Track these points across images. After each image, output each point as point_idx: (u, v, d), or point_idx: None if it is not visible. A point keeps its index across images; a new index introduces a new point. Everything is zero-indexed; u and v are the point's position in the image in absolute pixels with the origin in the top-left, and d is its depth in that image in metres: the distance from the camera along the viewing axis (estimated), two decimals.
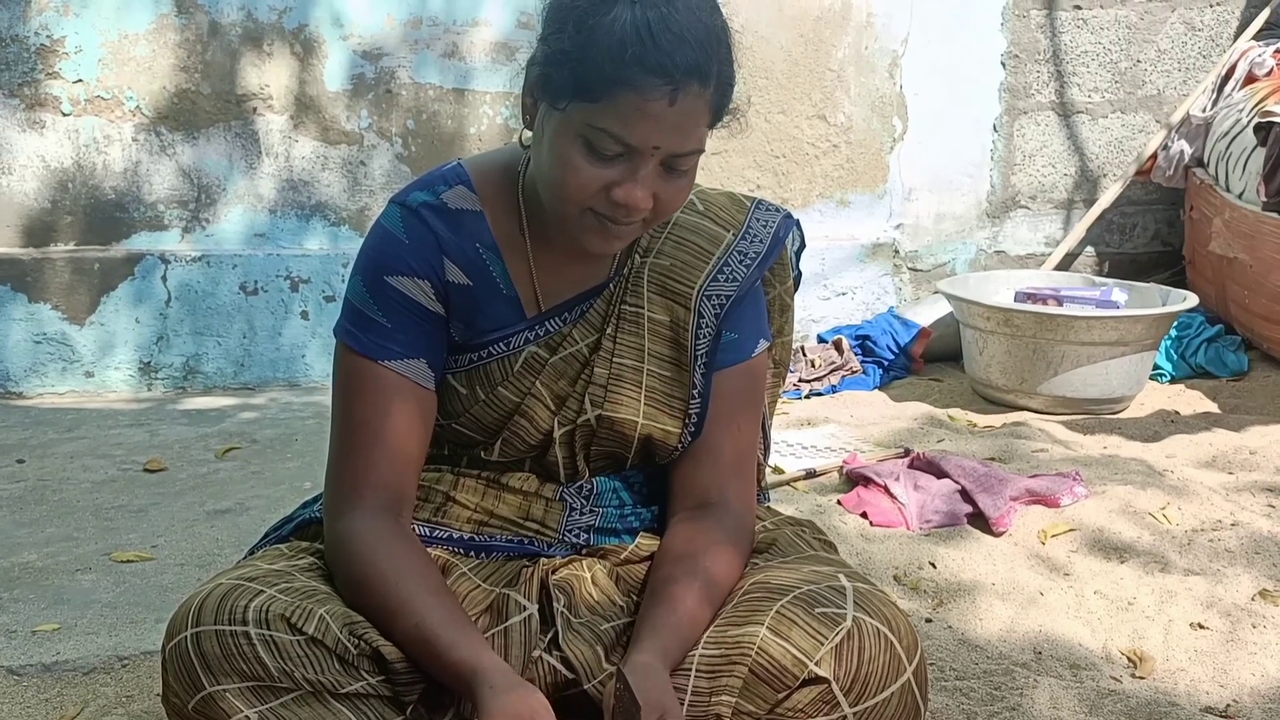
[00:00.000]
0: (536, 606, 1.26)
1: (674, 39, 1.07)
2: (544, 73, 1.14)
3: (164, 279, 3.52)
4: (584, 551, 1.34)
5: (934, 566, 2.20)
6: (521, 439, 1.29)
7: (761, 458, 1.52)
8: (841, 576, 1.23)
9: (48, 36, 3.42)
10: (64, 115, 3.47)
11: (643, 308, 1.27)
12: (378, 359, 1.23)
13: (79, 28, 3.43)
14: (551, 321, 1.27)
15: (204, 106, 3.55)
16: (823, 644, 1.14)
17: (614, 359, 1.27)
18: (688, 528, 1.28)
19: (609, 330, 1.27)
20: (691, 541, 1.26)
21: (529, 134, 1.22)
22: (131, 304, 3.50)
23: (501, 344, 1.27)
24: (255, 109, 3.58)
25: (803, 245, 1.43)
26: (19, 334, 3.43)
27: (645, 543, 1.35)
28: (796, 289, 1.46)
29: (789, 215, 1.36)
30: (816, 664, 1.13)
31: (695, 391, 1.29)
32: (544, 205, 1.21)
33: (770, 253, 1.31)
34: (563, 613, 1.24)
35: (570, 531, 1.34)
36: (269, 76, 3.57)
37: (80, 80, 3.46)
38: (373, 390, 1.23)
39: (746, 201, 1.35)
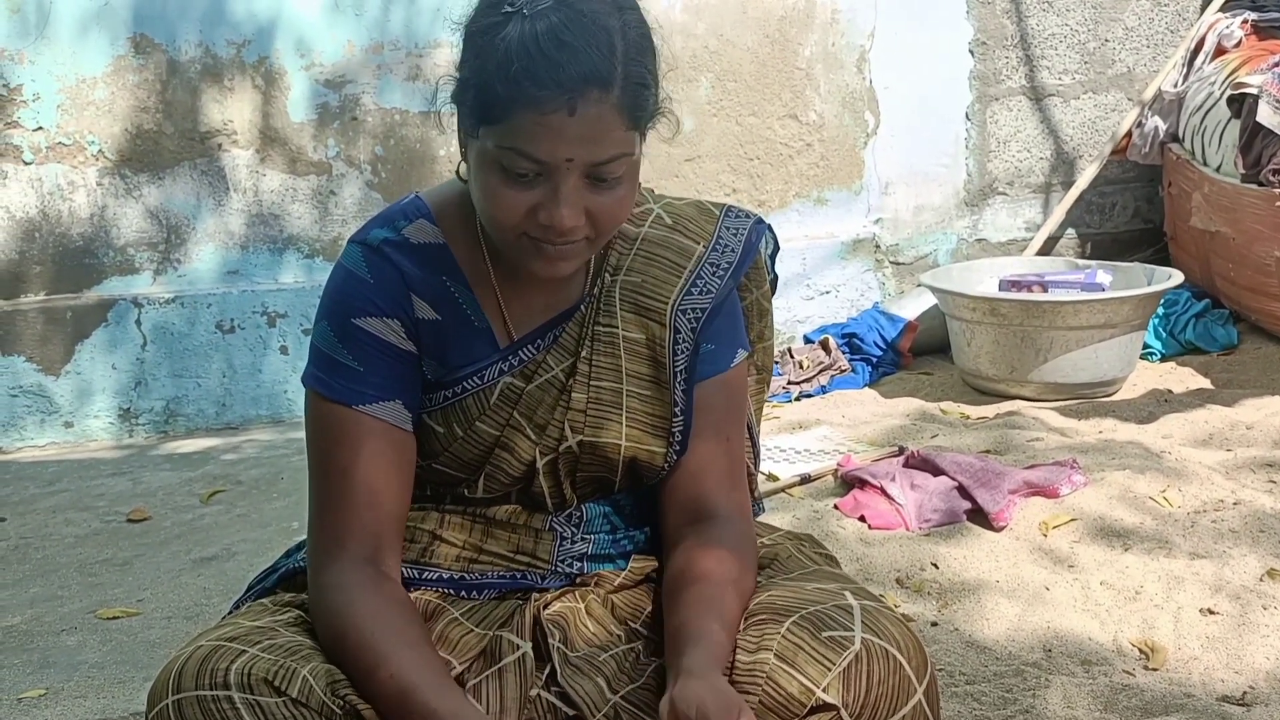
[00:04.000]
0: (530, 644, 1.21)
1: (563, 48, 1.04)
2: (460, 95, 1.13)
3: (138, 323, 3.47)
4: (577, 580, 1.30)
5: (936, 567, 2.17)
6: (504, 472, 1.26)
7: (752, 466, 1.48)
8: (848, 594, 1.19)
9: (4, 85, 3.36)
10: (25, 164, 3.42)
11: (617, 327, 1.24)
12: (351, 404, 1.18)
13: (35, 74, 3.38)
14: (525, 350, 1.24)
15: (168, 146, 3.50)
16: (830, 669, 1.10)
17: (591, 382, 1.24)
18: (692, 545, 1.24)
19: (584, 353, 1.24)
20: (701, 557, 1.22)
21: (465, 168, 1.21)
22: (107, 350, 3.45)
23: (475, 378, 1.23)
24: (220, 145, 3.54)
25: (776, 248, 1.40)
26: None
27: (637, 565, 1.31)
28: (774, 292, 1.43)
29: (760, 220, 1.33)
30: (824, 690, 1.09)
31: (678, 409, 1.25)
32: (489, 234, 1.19)
33: (743, 261, 1.28)
34: (559, 648, 1.20)
35: (563, 561, 1.30)
36: (232, 111, 3.53)
37: (40, 128, 3.41)
38: (348, 437, 1.19)
39: (715, 210, 1.32)
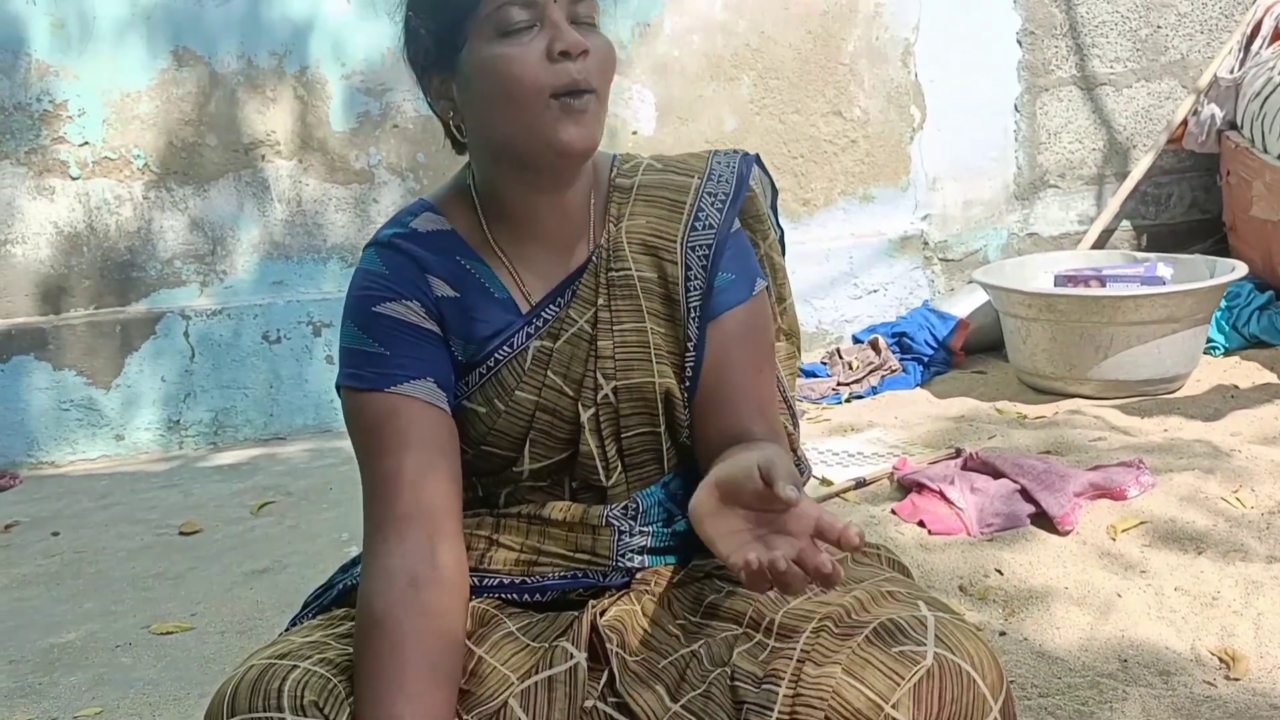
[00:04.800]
0: (585, 654, 1.18)
1: None
2: (430, 37, 1.18)
3: (186, 334, 3.48)
4: (637, 576, 1.27)
5: (1000, 573, 2.10)
6: (550, 435, 1.25)
7: (791, 427, 1.44)
8: (922, 605, 1.15)
9: (50, 101, 3.39)
10: (73, 179, 3.44)
11: (630, 269, 1.25)
12: (383, 388, 1.18)
13: (81, 90, 3.40)
14: (547, 310, 1.25)
15: (211, 158, 3.51)
16: (900, 685, 1.06)
17: (615, 328, 1.25)
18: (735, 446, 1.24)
19: (602, 301, 1.25)
20: (739, 448, 1.22)
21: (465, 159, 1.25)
22: (155, 362, 3.46)
23: (505, 347, 1.24)
24: (263, 155, 3.54)
25: (775, 193, 1.41)
26: (46, 403, 3.40)
27: (700, 563, 1.29)
28: (783, 251, 1.43)
29: (747, 154, 1.35)
30: (894, 707, 1.05)
31: (690, 345, 1.26)
32: (511, 148, 1.19)
33: (739, 190, 1.29)
34: (617, 653, 1.17)
35: (623, 556, 1.28)
36: (274, 121, 3.53)
37: (86, 143, 3.43)
38: (385, 420, 1.18)
39: (704, 152, 1.35)
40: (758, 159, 1.36)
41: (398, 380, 1.18)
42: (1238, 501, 2.31)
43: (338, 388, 1.23)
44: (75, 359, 3.41)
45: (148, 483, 3.16)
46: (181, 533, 2.72)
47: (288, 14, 3.48)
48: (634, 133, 3.70)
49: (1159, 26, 4.02)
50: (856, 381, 3.54)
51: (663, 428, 1.27)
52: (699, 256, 1.25)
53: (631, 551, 1.27)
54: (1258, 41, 3.76)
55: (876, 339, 3.66)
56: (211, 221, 3.54)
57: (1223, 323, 3.46)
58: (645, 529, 1.28)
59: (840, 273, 3.82)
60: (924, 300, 3.92)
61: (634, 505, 1.28)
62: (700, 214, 1.26)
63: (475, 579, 1.25)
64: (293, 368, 3.54)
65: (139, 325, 3.45)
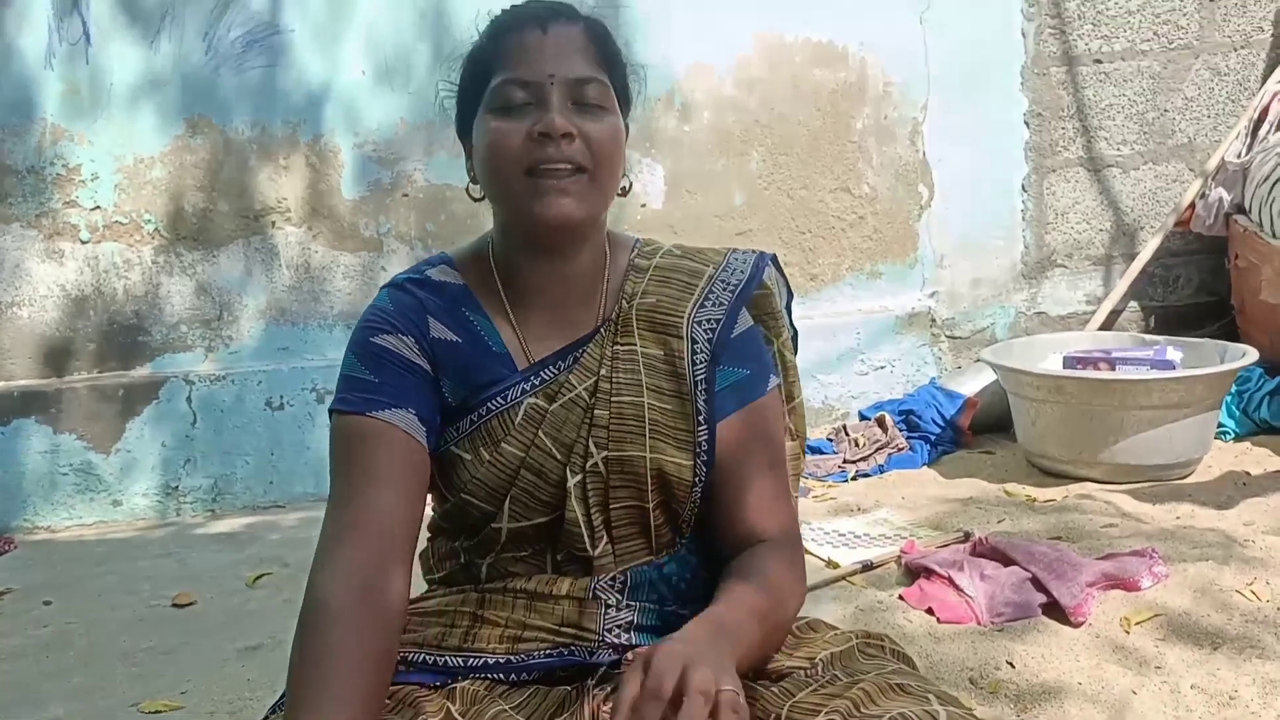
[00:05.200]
0: None
1: (537, 3, 1.25)
2: (458, 110, 1.27)
3: (188, 399, 3.46)
4: (629, 655, 1.23)
5: (1012, 666, 2.05)
6: (531, 495, 1.25)
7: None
8: (933, 699, 1.13)
9: (64, 165, 3.41)
10: (82, 242, 3.45)
11: (635, 345, 1.27)
12: (365, 412, 1.21)
13: (94, 155, 3.42)
14: (546, 370, 1.27)
15: (222, 224, 3.52)
16: None
17: (613, 399, 1.25)
18: (741, 555, 1.25)
19: (604, 372, 1.26)
20: (749, 556, 1.23)
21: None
22: (156, 427, 3.44)
23: (499, 398, 1.25)
24: (274, 222, 3.55)
25: (791, 296, 1.41)
26: (44, 467, 3.37)
27: None
28: (796, 350, 1.43)
29: (764, 253, 1.38)
30: None
31: (701, 418, 1.26)
32: (501, 213, 1.25)
33: (751, 280, 1.33)
34: None
35: (610, 632, 1.25)
36: (286, 189, 3.55)
37: (98, 207, 3.44)
38: (361, 442, 1.20)
39: (724, 248, 1.38)
40: (774, 259, 1.38)
41: (380, 406, 1.20)
42: (1252, 595, 2.27)
43: (329, 411, 1.26)
44: (76, 423, 3.39)
45: (143, 550, 3.12)
46: (175, 604, 2.67)
47: (303, 83, 3.52)
48: (643, 205, 3.72)
49: (1166, 110, 4.05)
50: (863, 459, 3.50)
51: (651, 504, 1.26)
52: (705, 331, 1.27)
53: (618, 627, 1.25)
54: (1265, 126, 3.79)
55: (883, 416, 3.63)
56: (219, 287, 3.54)
57: (1233, 407, 3.43)
58: (633, 604, 1.26)
59: (847, 348, 3.80)
60: (931, 378, 3.89)
61: (623, 579, 1.27)
62: (711, 295, 1.29)
63: (461, 660, 1.23)
64: (294, 434, 3.52)
65: (142, 389, 3.44)
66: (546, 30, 1.20)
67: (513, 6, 1.26)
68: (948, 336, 4.01)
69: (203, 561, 2.99)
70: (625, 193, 1.27)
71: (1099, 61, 3.99)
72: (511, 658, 1.23)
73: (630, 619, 1.26)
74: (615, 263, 1.30)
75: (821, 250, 3.90)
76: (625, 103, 1.28)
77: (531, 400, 1.25)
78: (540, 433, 1.24)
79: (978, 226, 4.00)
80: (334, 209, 3.58)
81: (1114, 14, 3.97)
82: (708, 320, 1.28)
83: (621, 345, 1.27)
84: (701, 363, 1.26)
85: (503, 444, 1.23)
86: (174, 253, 3.51)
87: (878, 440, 3.56)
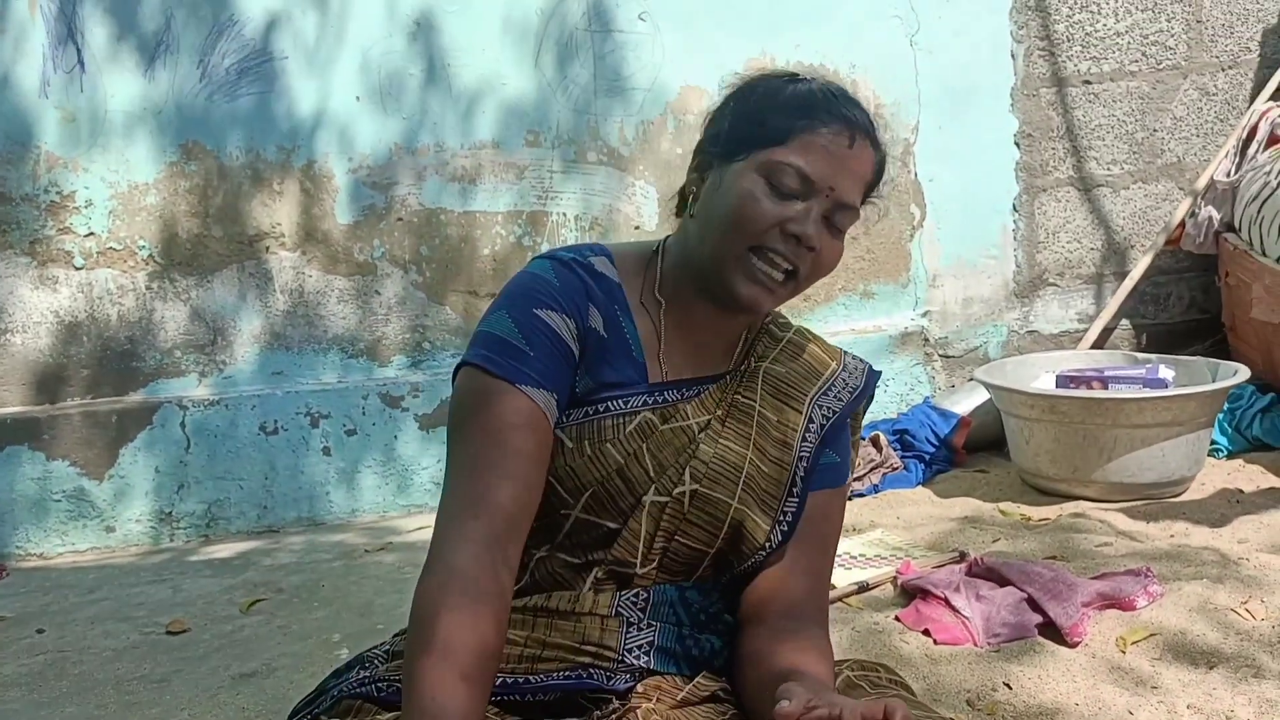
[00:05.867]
0: None
1: (852, 102, 1.24)
2: (727, 132, 1.24)
3: (182, 425, 3.45)
4: (640, 687, 1.23)
5: (1009, 687, 2.05)
6: (613, 500, 1.25)
7: None
8: None
9: (58, 193, 3.41)
10: (76, 269, 3.45)
11: (755, 403, 1.31)
12: (515, 382, 1.20)
13: (88, 181, 3.43)
14: (669, 392, 1.29)
15: (216, 249, 3.53)
16: None
17: (720, 441, 1.28)
18: (787, 644, 1.23)
19: (719, 414, 1.30)
20: (800, 656, 1.21)
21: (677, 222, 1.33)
22: (150, 453, 3.43)
23: (619, 401, 1.27)
24: (268, 247, 3.56)
25: (873, 392, 1.44)
26: (37, 493, 3.36)
27: (705, 682, 1.25)
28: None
29: (872, 368, 1.42)
30: None
31: (794, 490, 1.29)
32: (702, 261, 1.24)
33: (865, 390, 1.37)
34: None
35: (629, 651, 1.25)
36: (280, 214, 3.55)
37: (92, 233, 3.45)
38: (504, 413, 1.19)
39: (836, 348, 1.42)
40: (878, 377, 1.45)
41: (531, 381, 1.19)
42: (1247, 613, 2.27)
43: (459, 366, 1.24)
44: (69, 449, 3.38)
45: (137, 577, 3.11)
46: (169, 632, 2.66)
47: (296, 109, 3.53)
48: (636, 227, 3.73)
49: (1155, 130, 4.08)
50: (858, 479, 3.50)
51: (715, 549, 1.27)
52: (823, 413, 1.32)
53: (638, 648, 1.25)
54: (1253, 146, 3.82)
55: (878, 436, 3.63)
56: (213, 312, 3.54)
57: (1226, 425, 3.44)
58: (653, 624, 1.27)
59: None
60: (925, 397, 3.90)
61: (646, 597, 1.27)
62: (834, 388, 1.34)
63: None
64: (289, 459, 3.51)
65: (135, 415, 3.43)
66: (852, 144, 1.20)
67: (832, 98, 1.22)
68: (941, 356, 4.02)
69: (196, 587, 2.98)
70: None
71: (1088, 82, 4.02)
72: (530, 678, 1.22)
73: (651, 639, 1.26)
74: (755, 323, 1.34)
75: None
76: (865, 203, 1.30)
77: (647, 414, 1.27)
78: (645, 447, 1.25)
79: (970, 246, 4.02)
80: (328, 233, 3.59)
81: (1102, 35, 4.00)
82: (827, 408, 1.32)
83: (742, 398, 1.30)
84: (811, 441, 1.30)
85: (607, 444, 1.25)
86: (168, 278, 3.51)
87: (872, 460, 3.56)
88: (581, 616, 1.25)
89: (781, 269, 1.20)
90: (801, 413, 1.31)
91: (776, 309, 1.35)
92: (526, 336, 1.21)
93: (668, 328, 1.29)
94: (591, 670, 1.23)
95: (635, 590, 1.27)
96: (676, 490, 1.25)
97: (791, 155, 1.18)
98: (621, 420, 1.26)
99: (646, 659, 1.25)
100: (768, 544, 1.26)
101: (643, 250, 1.34)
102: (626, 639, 1.25)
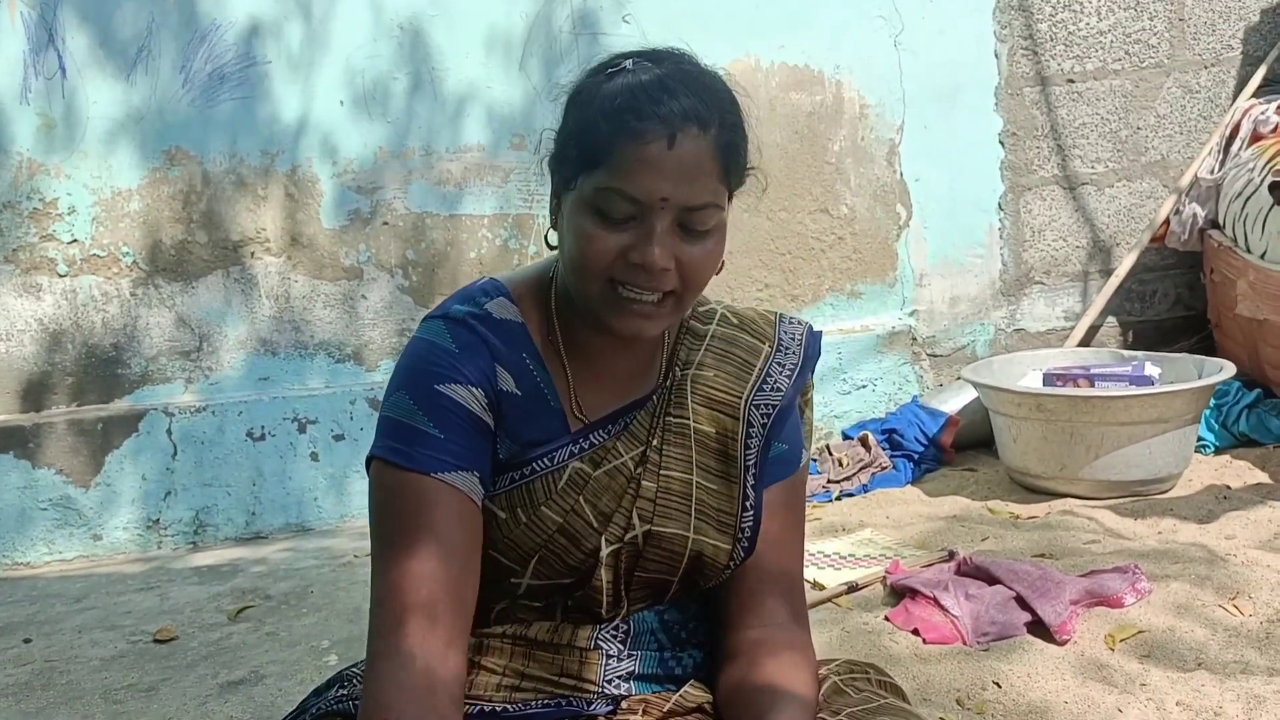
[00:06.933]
0: None
1: (665, 89, 1.09)
2: (557, 158, 1.15)
3: (169, 432, 3.43)
4: (624, 706, 1.22)
5: (998, 686, 2.05)
6: (560, 559, 1.20)
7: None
8: None
9: (40, 200, 3.40)
10: (60, 276, 3.43)
11: (688, 419, 1.23)
12: (431, 472, 1.11)
13: (71, 189, 3.41)
14: (595, 434, 1.21)
15: (201, 255, 3.51)
16: None
17: (661, 472, 1.21)
18: (759, 653, 1.20)
19: (654, 442, 1.21)
20: (771, 666, 1.18)
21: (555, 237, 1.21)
22: (136, 460, 3.41)
23: (545, 459, 1.19)
24: (253, 253, 3.54)
25: (818, 354, 1.37)
26: (22, 502, 3.34)
27: (693, 693, 1.24)
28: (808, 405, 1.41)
29: (812, 328, 1.33)
30: None
31: (748, 504, 1.22)
32: (574, 297, 1.16)
33: (805, 364, 1.29)
34: None
35: (609, 682, 1.24)
36: (264, 219, 3.54)
37: (75, 240, 3.43)
38: (423, 506, 1.11)
39: (771, 315, 1.33)
40: (819, 335, 1.36)
41: (446, 467, 1.12)
42: (1235, 610, 2.28)
43: (370, 459, 1.16)
44: (54, 457, 3.36)
45: (124, 585, 3.09)
46: (156, 640, 2.65)
47: (280, 114, 3.52)
48: None
49: (1139, 128, 4.09)
50: (847, 479, 3.51)
51: (678, 576, 1.23)
52: (761, 415, 1.23)
53: (618, 678, 1.23)
54: (1236, 143, 3.83)
55: (866, 435, 3.64)
56: (198, 318, 3.53)
57: (1212, 421, 3.45)
58: (634, 653, 1.25)
59: (829, 368, 3.81)
60: (913, 396, 3.91)
61: (625, 628, 1.25)
62: (769, 379, 1.25)
63: None
64: (276, 465, 3.50)
65: (121, 422, 3.41)
66: (673, 144, 1.06)
67: (642, 93, 1.08)
68: (928, 355, 4.03)
69: (184, 595, 2.96)
70: (718, 271, 1.18)
71: (1072, 81, 4.03)
72: (509, 706, 1.21)
73: (631, 669, 1.24)
74: (672, 326, 1.23)
75: (802, 271, 3.92)
76: (739, 186, 1.17)
77: (577, 464, 1.19)
78: (581, 499, 1.19)
79: (956, 245, 4.03)
80: (313, 238, 3.58)
81: (1085, 34, 4.02)
82: (765, 405, 1.24)
83: (674, 417, 1.22)
84: (754, 447, 1.23)
85: (542, 507, 1.18)
86: (152, 285, 3.49)
87: (861, 459, 3.56)
88: (560, 648, 1.22)
89: (651, 292, 1.10)
90: (739, 419, 1.23)
91: (698, 305, 1.28)
92: (433, 419, 1.13)
93: (575, 360, 1.21)
94: (572, 698, 1.22)
95: (615, 624, 1.24)
96: (628, 535, 1.20)
97: (613, 179, 1.07)
98: (552, 478, 1.18)
99: (627, 687, 1.24)
100: (731, 563, 1.22)
101: (539, 276, 1.24)
102: (606, 670, 1.23)
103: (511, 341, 1.19)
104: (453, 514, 1.11)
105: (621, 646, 1.24)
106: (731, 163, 1.12)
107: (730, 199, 1.15)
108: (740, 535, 1.22)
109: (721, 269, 1.17)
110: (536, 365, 1.20)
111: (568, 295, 1.19)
